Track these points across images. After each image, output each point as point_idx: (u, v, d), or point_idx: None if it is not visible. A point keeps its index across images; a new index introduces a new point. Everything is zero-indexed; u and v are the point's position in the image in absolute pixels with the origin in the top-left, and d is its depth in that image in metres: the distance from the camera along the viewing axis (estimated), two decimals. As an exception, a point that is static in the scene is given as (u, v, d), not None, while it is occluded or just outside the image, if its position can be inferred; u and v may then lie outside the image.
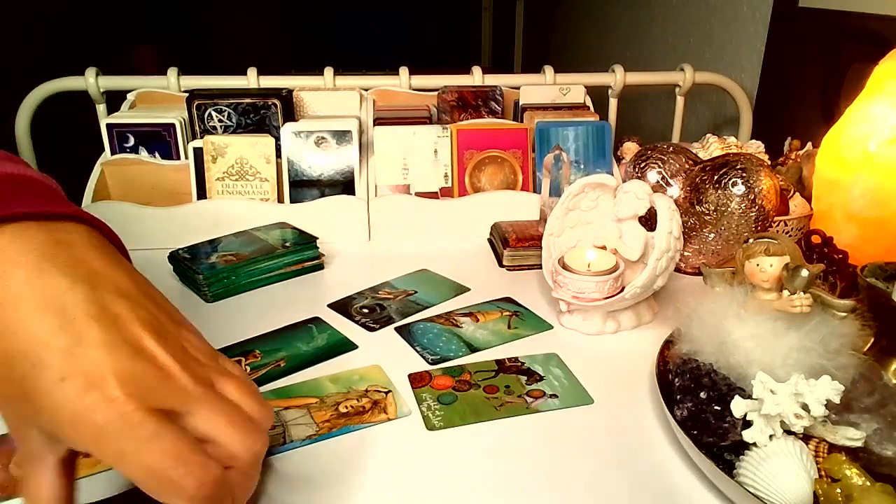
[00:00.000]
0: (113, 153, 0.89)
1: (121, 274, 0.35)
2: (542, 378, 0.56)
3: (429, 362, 0.59)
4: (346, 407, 0.52)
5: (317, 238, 0.78)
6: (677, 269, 0.75)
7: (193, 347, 0.36)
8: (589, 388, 0.55)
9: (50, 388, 0.30)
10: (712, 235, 0.72)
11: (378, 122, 0.91)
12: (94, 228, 0.37)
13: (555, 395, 0.54)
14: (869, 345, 0.49)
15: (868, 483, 0.39)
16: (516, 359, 0.59)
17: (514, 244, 0.78)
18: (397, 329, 0.64)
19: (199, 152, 0.85)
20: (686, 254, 0.75)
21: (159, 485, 0.30)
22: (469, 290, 0.73)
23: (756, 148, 0.95)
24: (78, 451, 0.34)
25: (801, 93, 1.09)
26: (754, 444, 0.42)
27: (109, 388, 0.30)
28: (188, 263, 0.72)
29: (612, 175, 0.81)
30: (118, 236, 0.40)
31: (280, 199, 0.86)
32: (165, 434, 0.31)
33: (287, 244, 0.76)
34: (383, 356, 0.59)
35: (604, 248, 0.65)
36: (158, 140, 0.89)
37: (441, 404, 0.53)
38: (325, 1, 3.79)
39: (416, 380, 0.56)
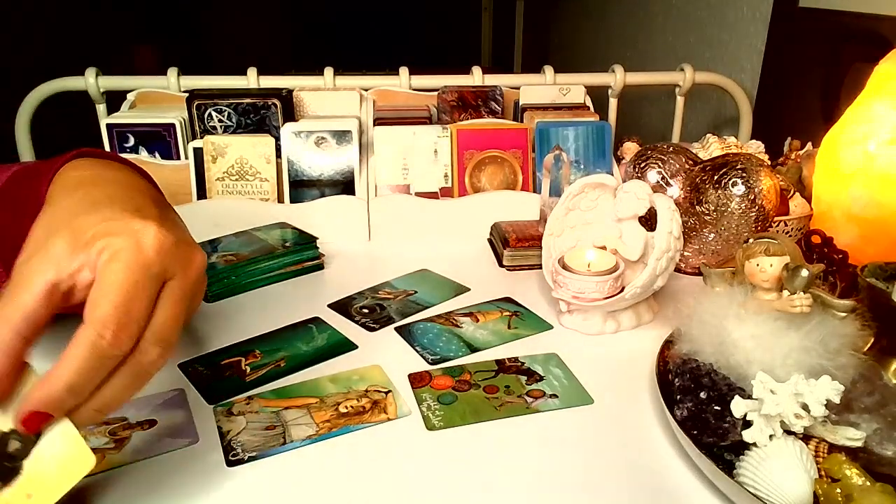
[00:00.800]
0: (113, 153, 0.89)
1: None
2: (542, 378, 0.56)
3: (429, 362, 0.59)
4: (346, 407, 0.52)
5: (317, 238, 0.78)
6: (677, 269, 0.75)
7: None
8: (589, 388, 0.55)
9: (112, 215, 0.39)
10: (712, 235, 0.72)
11: (378, 122, 0.91)
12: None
13: (555, 395, 0.54)
14: (869, 345, 0.49)
15: (868, 483, 0.39)
16: (516, 359, 0.59)
17: (514, 244, 0.78)
18: (397, 329, 0.64)
19: (199, 152, 0.85)
20: (686, 254, 0.75)
21: (110, 300, 0.34)
22: (469, 290, 0.73)
23: (756, 148, 0.95)
24: (74, 290, 0.36)
25: (801, 93, 1.09)
26: (754, 444, 0.42)
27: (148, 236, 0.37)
28: (188, 263, 0.72)
29: (612, 175, 0.81)
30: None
31: (280, 199, 0.86)
32: (147, 284, 0.36)
33: (287, 244, 0.76)
34: (383, 356, 0.59)
35: (604, 248, 0.65)
36: (158, 140, 0.89)
37: (441, 404, 0.53)
38: (325, 1, 3.79)
39: (416, 380, 0.56)
